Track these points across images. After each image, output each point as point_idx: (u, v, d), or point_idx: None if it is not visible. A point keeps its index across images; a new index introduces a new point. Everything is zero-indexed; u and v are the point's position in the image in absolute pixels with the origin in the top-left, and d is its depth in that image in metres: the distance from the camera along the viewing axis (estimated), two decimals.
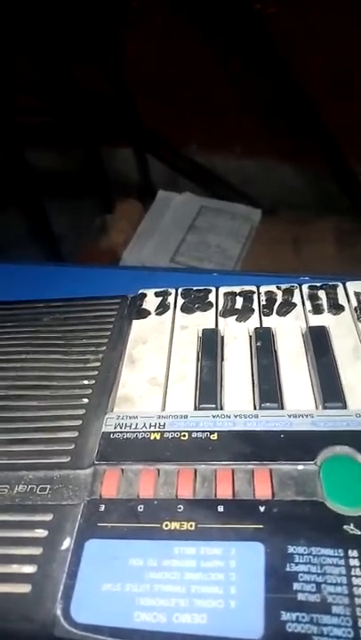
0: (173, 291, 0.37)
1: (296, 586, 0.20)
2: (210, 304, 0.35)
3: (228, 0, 1.03)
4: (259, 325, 0.33)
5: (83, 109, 1.17)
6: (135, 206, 1.13)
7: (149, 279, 0.50)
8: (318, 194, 1.20)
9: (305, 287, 0.35)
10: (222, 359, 0.31)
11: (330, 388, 0.28)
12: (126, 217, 1.10)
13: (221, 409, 0.28)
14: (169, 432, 0.27)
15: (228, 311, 0.35)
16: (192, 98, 1.17)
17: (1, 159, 1.14)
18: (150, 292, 0.37)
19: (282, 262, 0.96)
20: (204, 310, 0.35)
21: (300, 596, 0.20)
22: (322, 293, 0.35)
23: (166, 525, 0.23)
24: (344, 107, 1.07)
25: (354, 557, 0.21)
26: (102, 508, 0.24)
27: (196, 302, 0.36)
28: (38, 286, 0.50)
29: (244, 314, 0.34)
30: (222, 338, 0.33)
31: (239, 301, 0.35)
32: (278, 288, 0.36)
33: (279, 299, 0.35)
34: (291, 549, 0.21)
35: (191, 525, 0.23)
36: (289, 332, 0.32)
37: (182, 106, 1.19)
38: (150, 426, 0.27)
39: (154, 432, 0.27)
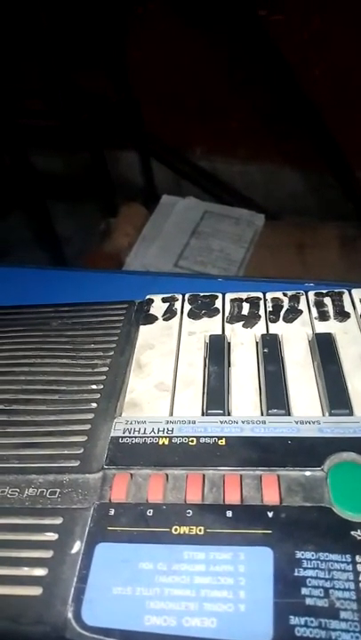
0: (180, 296, 0.37)
1: (304, 591, 0.21)
2: (216, 310, 0.36)
3: (233, 6, 1.03)
4: (265, 332, 0.34)
5: (87, 113, 1.18)
6: (139, 210, 1.14)
7: (153, 284, 0.51)
8: (322, 199, 1.21)
9: (311, 294, 0.36)
10: (229, 365, 0.32)
11: (336, 395, 0.28)
12: (130, 221, 1.10)
13: (229, 415, 0.29)
14: (177, 437, 0.27)
15: (235, 317, 0.35)
16: (196, 103, 1.18)
17: (6, 162, 1.15)
18: (157, 298, 0.38)
19: (285, 267, 0.96)
20: (211, 316, 0.35)
21: (309, 601, 0.20)
22: (328, 300, 0.35)
23: (176, 530, 0.23)
24: (348, 113, 1.07)
25: None
26: (112, 511, 0.24)
27: (202, 308, 0.36)
28: (42, 290, 0.50)
29: (250, 320, 0.34)
30: (229, 344, 0.33)
31: (246, 307, 0.36)
32: (284, 295, 0.36)
33: (285, 305, 0.35)
34: (299, 554, 0.22)
35: (200, 530, 0.23)
36: (295, 338, 0.33)
37: (186, 111, 1.19)
38: (159, 431, 0.28)
39: (162, 437, 0.27)
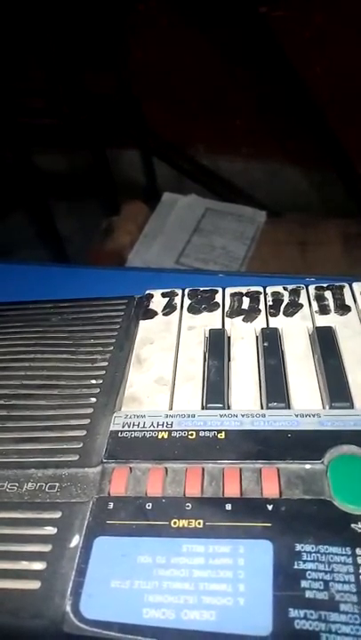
0: (180, 291, 0.37)
1: (304, 583, 0.20)
2: (216, 304, 0.36)
3: (234, 3, 1.03)
4: (265, 326, 0.33)
5: (89, 112, 1.18)
6: (141, 208, 1.13)
7: (155, 280, 0.51)
8: (324, 196, 1.20)
9: (311, 288, 0.36)
10: (229, 359, 0.32)
11: (337, 388, 0.28)
12: (132, 219, 1.10)
13: (229, 408, 0.28)
14: (177, 431, 0.27)
15: (235, 311, 0.35)
16: (198, 100, 1.17)
17: (8, 161, 1.15)
18: (157, 293, 0.38)
19: (287, 264, 0.96)
20: (211, 311, 0.35)
21: (309, 594, 0.20)
22: (328, 294, 0.35)
23: (175, 523, 0.23)
24: (349, 110, 1.07)
25: None
26: (111, 505, 0.24)
27: (202, 303, 0.36)
28: (44, 286, 0.50)
29: (250, 314, 0.34)
30: (229, 338, 0.33)
31: (246, 302, 0.35)
32: (285, 289, 0.36)
33: (286, 299, 0.35)
34: (299, 547, 0.21)
35: (199, 523, 0.23)
36: (296, 332, 0.32)
37: (188, 108, 1.19)
38: (158, 425, 0.27)
39: (162, 431, 0.27)
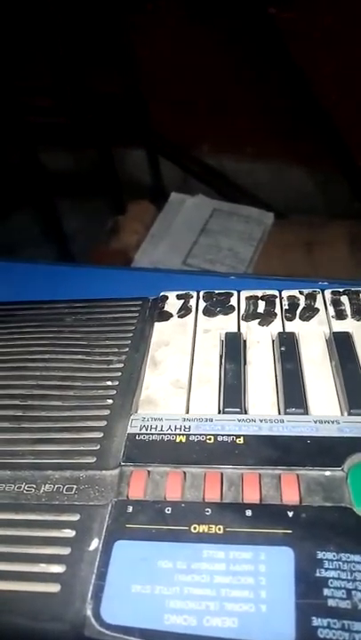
0: (195, 293, 0.37)
1: (326, 591, 0.20)
2: (232, 307, 0.36)
3: (243, 3, 1.03)
4: (281, 330, 0.33)
5: (96, 111, 1.17)
6: (148, 208, 1.13)
7: (164, 281, 0.51)
8: (330, 198, 1.20)
9: (327, 292, 0.35)
10: (245, 363, 0.31)
11: (356, 394, 0.28)
12: (139, 218, 1.10)
13: (246, 413, 0.28)
14: (194, 435, 0.27)
15: (251, 315, 0.35)
16: (204, 100, 1.17)
17: (14, 159, 1.15)
18: (172, 295, 0.37)
19: (294, 266, 0.96)
20: (226, 314, 0.35)
21: (331, 602, 0.20)
22: (345, 299, 0.35)
23: (195, 528, 0.23)
24: (357, 111, 1.06)
25: None
26: (130, 509, 0.24)
27: (217, 305, 0.36)
28: (50, 285, 0.50)
29: (266, 318, 0.34)
30: (245, 342, 0.33)
31: (261, 305, 0.35)
32: (301, 293, 0.36)
33: (302, 303, 0.35)
34: (320, 555, 0.21)
35: (220, 529, 0.23)
36: (313, 337, 0.32)
37: (195, 108, 1.19)
38: (176, 428, 0.27)
39: (179, 434, 0.27)
